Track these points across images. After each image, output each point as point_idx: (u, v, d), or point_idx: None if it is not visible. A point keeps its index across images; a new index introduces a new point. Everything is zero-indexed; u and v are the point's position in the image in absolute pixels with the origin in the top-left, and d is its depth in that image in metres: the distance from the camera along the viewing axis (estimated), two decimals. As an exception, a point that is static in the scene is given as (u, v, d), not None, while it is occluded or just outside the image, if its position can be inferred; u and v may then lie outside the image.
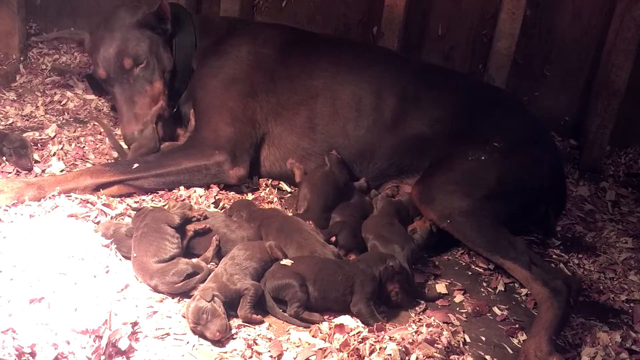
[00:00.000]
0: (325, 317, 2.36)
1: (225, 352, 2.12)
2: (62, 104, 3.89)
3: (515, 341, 2.49)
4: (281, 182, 3.38)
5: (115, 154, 3.33)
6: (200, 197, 2.99)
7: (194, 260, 2.48)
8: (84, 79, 4.13)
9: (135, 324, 2.12)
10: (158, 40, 3.29)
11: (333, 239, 2.70)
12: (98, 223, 2.66)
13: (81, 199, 2.79)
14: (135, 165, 2.98)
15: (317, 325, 2.31)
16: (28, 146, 3.11)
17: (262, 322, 2.30)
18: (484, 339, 2.46)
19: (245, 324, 2.27)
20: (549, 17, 4.29)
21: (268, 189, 3.26)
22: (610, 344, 2.50)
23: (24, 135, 3.31)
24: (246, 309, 2.27)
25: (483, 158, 2.97)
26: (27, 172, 3.04)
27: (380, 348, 2.17)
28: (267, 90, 3.29)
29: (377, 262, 2.47)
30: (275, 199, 3.17)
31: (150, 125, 3.25)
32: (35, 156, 3.17)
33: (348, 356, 2.13)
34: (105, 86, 3.33)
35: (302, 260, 2.45)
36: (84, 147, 3.39)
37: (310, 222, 2.75)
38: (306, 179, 3.11)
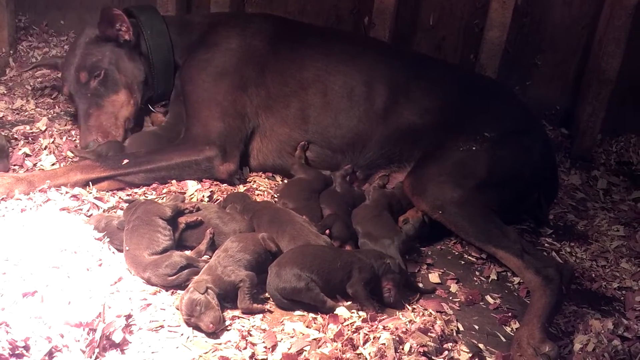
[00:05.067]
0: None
1: (220, 344, 2.12)
2: (52, 97, 3.87)
3: (508, 329, 2.50)
4: (275, 174, 3.38)
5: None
6: (195, 190, 2.98)
7: (187, 252, 2.48)
8: None
9: (129, 316, 2.12)
10: (119, 52, 3.26)
11: (327, 231, 2.70)
12: (90, 216, 2.65)
13: (72, 193, 2.78)
14: (126, 160, 2.97)
15: (311, 315, 2.31)
16: (3, 149, 2.97)
17: (263, 310, 2.31)
18: (477, 327, 2.47)
19: (240, 316, 2.27)
20: (540, 6, 4.30)
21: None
22: (602, 331, 2.51)
23: (15, 129, 3.30)
24: (246, 301, 2.27)
25: (474, 148, 2.98)
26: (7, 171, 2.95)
27: (374, 337, 2.18)
28: (257, 83, 3.27)
29: (376, 257, 2.49)
30: (268, 190, 3.18)
31: (117, 136, 3.25)
32: (27, 150, 3.16)
33: (342, 346, 2.13)
34: (71, 101, 3.39)
35: (300, 251, 2.44)
36: (75, 140, 3.38)
37: (305, 217, 2.75)
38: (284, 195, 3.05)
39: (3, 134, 3.13)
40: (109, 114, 3.25)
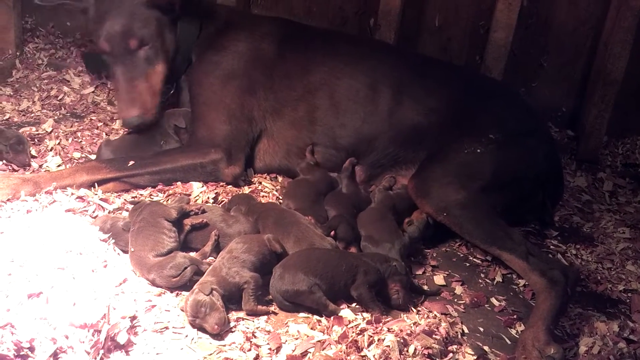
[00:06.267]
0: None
1: (224, 345, 2.12)
2: (58, 98, 3.88)
3: (513, 332, 2.50)
4: (279, 175, 3.38)
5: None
6: (200, 192, 2.99)
7: (192, 254, 2.48)
8: (80, 73, 4.13)
9: (133, 318, 2.12)
10: (165, 22, 3.19)
11: (332, 232, 2.70)
12: (96, 218, 2.66)
13: (78, 194, 2.79)
14: (131, 162, 2.98)
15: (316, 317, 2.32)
16: (25, 142, 3.09)
17: (268, 312, 2.31)
18: (482, 329, 2.47)
19: (244, 317, 2.27)
20: (545, 8, 4.29)
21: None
22: (608, 334, 2.50)
23: (21, 130, 3.31)
24: (251, 303, 2.27)
25: (479, 150, 2.97)
26: (25, 168, 3.03)
27: (378, 339, 2.18)
28: (265, 86, 3.27)
29: (382, 260, 2.49)
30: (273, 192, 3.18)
31: (153, 111, 3.20)
32: (32, 151, 3.17)
33: (346, 348, 2.13)
34: (107, 59, 3.21)
35: (305, 255, 2.44)
36: (81, 141, 3.39)
37: (310, 217, 2.75)
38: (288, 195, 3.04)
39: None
40: (150, 87, 3.19)
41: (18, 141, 3.06)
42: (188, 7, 3.27)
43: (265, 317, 2.29)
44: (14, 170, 3.03)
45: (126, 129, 3.34)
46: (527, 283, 2.74)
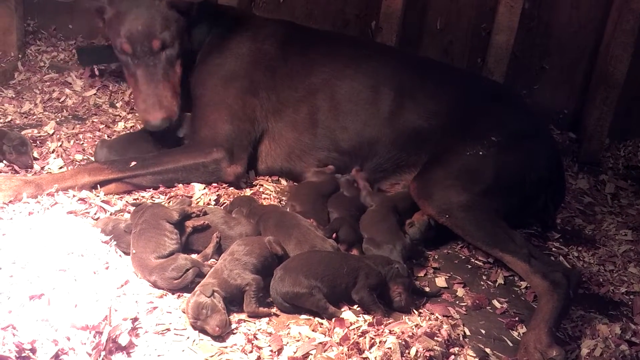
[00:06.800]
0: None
1: (226, 347, 2.12)
2: (60, 101, 3.89)
3: (515, 334, 2.50)
4: (281, 178, 3.38)
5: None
6: (202, 194, 2.99)
7: (194, 256, 2.48)
8: (82, 75, 4.13)
9: (135, 319, 2.12)
10: (183, 24, 3.19)
11: (334, 235, 2.70)
12: (97, 219, 2.66)
13: (80, 196, 2.79)
14: (133, 163, 2.98)
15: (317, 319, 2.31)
16: (28, 144, 3.10)
17: (269, 314, 2.31)
18: (483, 332, 2.47)
19: (246, 319, 2.27)
20: (547, 10, 4.30)
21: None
22: (610, 336, 2.50)
23: (23, 132, 3.31)
24: (252, 305, 2.27)
25: (481, 153, 2.97)
26: (27, 169, 3.04)
27: (380, 342, 2.18)
28: (267, 87, 3.28)
29: (384, 263, 2.48)
30: (273, 194, 3.18)
31: (176, 113, 3.20)
32: (35, 153, 3.17)
33: (348, 350, 2.13)
34: (126, 59, 3.16)
35: (306, 257, 2.44)
36: (82, 144, 3.39)
37: (312, 220, 2.75)
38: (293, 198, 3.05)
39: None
40: (172, 88, 3.19)
41: (21, 143, 3.07)
42: (202, 10, 3.28)
43: (266, 319, 2.29)
44: (16, 172, 3.03)
45: (124, 130, 3.34)
46: (529, 285, 2.74)
